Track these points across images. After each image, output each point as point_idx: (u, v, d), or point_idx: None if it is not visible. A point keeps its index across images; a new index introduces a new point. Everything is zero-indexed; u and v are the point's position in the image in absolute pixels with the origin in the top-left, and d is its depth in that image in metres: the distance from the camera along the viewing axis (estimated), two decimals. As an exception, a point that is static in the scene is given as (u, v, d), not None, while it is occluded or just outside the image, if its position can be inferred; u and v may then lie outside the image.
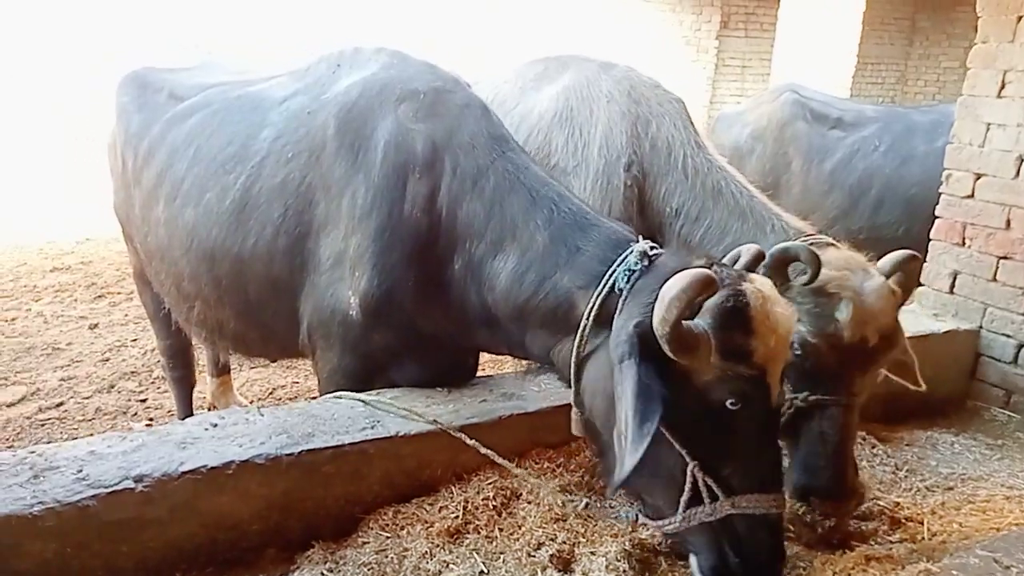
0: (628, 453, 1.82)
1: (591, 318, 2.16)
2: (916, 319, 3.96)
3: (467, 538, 2.38)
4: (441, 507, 2.46)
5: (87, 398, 4.90)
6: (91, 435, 3.01)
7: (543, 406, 2.72)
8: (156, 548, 2.13)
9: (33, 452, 2.17)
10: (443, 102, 2.66)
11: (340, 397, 2.65)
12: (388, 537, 2.36)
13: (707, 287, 1.89)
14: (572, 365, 2.24)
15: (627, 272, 2.12)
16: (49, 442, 4.06)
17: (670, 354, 1.87)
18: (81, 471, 2.09)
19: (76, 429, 4.50)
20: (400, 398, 2.69)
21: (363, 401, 2.60)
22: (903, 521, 2.67)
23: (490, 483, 2.55)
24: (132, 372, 5.27)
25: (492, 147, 2.54)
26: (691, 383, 1.95)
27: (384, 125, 2.63)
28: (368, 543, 2.34)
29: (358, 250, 2.62)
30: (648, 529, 2.34)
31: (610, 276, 2.14)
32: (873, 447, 3.28)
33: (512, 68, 4.68)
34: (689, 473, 1.98)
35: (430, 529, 2.37)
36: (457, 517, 2.42)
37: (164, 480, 2.11)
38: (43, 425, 4.51)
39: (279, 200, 2.77)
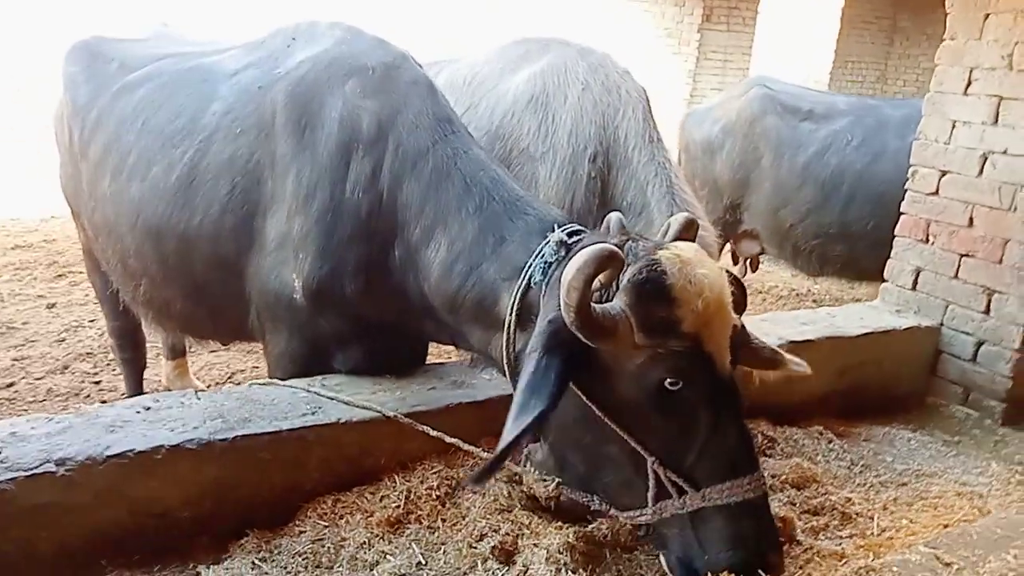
0: (500, 443, 1.72)
1: (514, 314, 2.09)
2: (878, 315, 3.95)
3: (408, 528, 2.32)
4: (383, 496, 2.40)
5: (39, 379, 4.77)
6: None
7: (492, 395, 2.66)
8: (79, 534, 2.05)
9: (-51, 433, 2.08)
10: (391, 78, 2.59)
11: (281, 383, 2.57)
12: (326, 526, 2.30)
13: (608, 262, 1.77)
14: (504, 363, 2.18)
15: (543, 264, 2.05)
16: (-5, 423, 3.95)
17: (588, 341, 1.77)
18: (0, 453, 2.01)
19: (26, 410, 4.37)
20: (346, 384, 2.62)
21: (302, 389, 2.52)
22: (854, 516, 2.64)
23: (435, 472, 2.49)
24: (88, 353, 5.15)
25: (435, 128, 2.48)
26: (625, 370, 1.85)
27: (332, 101, 2.56)
28: (305, 532, 2.27)
29: (301, 231, 2.55)
30: (603, 521, 2.27)
31: (528, 269, 2.07)
32: (830, 442, 3.26)
33: (493, 48, 4.62)
34: (650, 470, 1.88)
35: (370, 519, 2.31)
36: (398, 507, 2.36)
37: (88, 464, 2.03)
38: (-8, 405, 4.39)
39: (227, 177, 2.69)
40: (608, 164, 3.61)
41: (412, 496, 2.41)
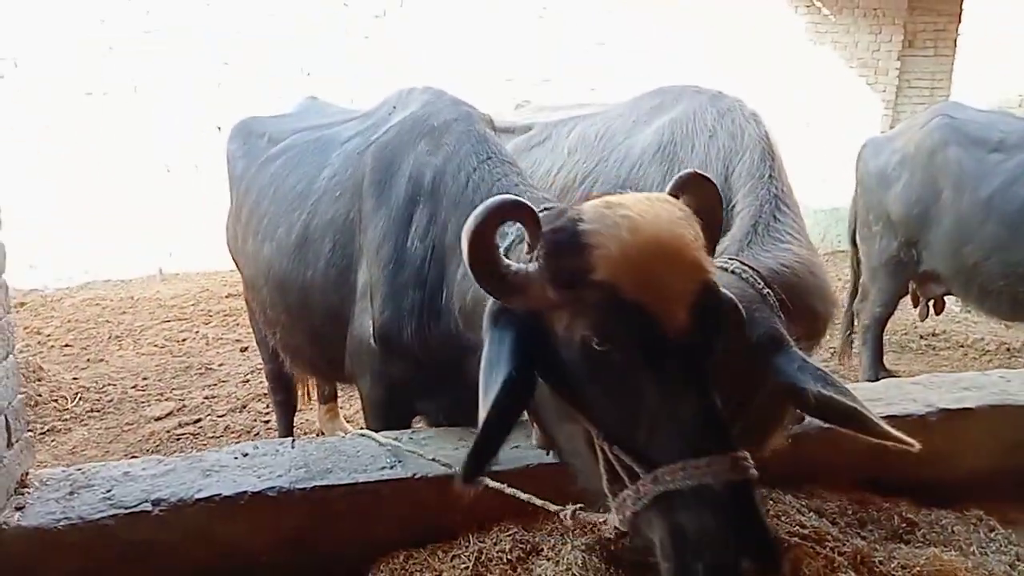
0: (479, 426, 1.56)
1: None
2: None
3: (475, 591, 2.30)
4: (454, 556, 2.39)
5: (221, 416, 5.34)
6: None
7: (577, 458, 2.57)
8: (170, 572, 2.25)
9: (79, 470, 2.39)
10: (449, 132, 2.68)
11: (371, 434, 2.67)
12: (395, 582, 2.33)
13: (507, 212, 1.60)
14: None
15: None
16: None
17: (499, 299, 1.64)
18: (110, 491, 2.26)
19: (205, 445, 4.91)
20: (432, 439, 2.67)
21: (390, 441, 2.60)
22: (1001, 626, 2.23)
23: (509, 535, 2.44)
24: (264, 394, 5.65)
25: (471, 167, 2.50)
26: (557, 334, 1.64)
27: (407, 161, 2.72)
28: (375, 586, 2.32)
29: (374, 280, 2.71)
30: None
31: None
32: (991, 530, 2.77)
33: (628, 100, 4.59)
34: (597, 446, 1.63)
35: (438, 578, 2.32)
36: (467, 568, 2.34)
37: (179, 505, 2.23)
38: (178, 440, 4.97)
39: (330, 234, 2.94)
40: (728, 210, 3.41)
41: (483, 558, 2.38)
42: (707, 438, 1.53)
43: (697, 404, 1.55)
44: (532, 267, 1.62)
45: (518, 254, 1.83)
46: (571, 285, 1.57)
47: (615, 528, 1.71)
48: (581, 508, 1.93)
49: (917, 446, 1.81)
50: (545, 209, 1.83)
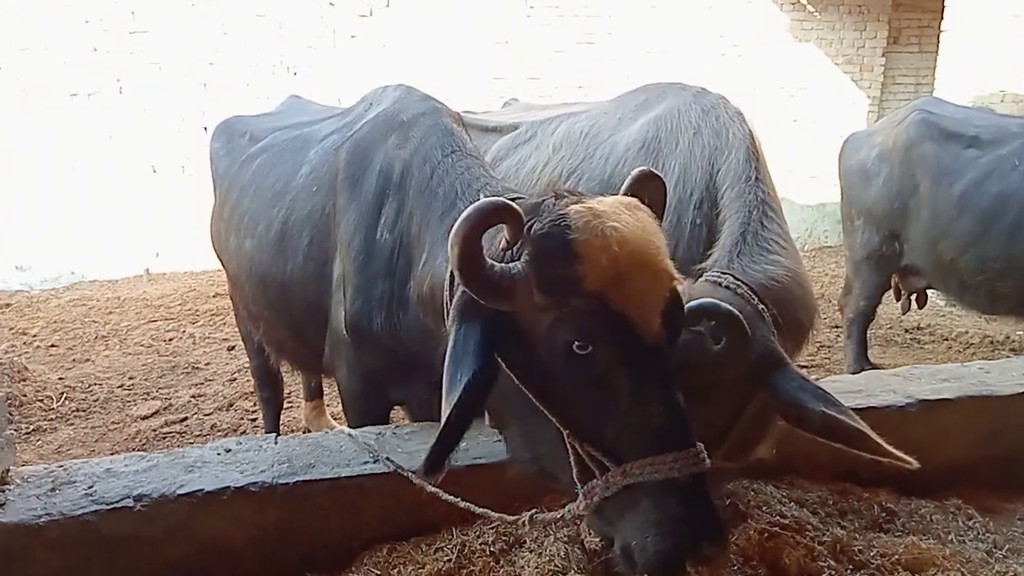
0: (440, 425, 1.60)
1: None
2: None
3: (458, 584, 2.31)
4: (437, 549, 2.40)
5: (208, 415, 5.33)
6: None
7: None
8: (153, 567, 2.25)
9: (61, 466, 2.39)
10: (417, 126, 2.71)
11: (352, 431, 2.68)
12: (378, 575, 2.34)
13: (495, 216, 1.63)
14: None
15: None
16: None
17: (485, 303, 1.66)
18: (92, 487, 2.26)
19: (191, 443, 4.90)
20: (416, 433, 2.68)
21: (372, 435, 2.61)
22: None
23: (491, 527, 2.46)
24: (250, 392, 5.65)
25: (437, 159, 2.52)
26: (536, 334, 1.70)
27: (377, 156, 2.74)
28: (358, 579, 2.33)
29: (347, 272, 2.74)
30: None
31: None
32: (970, 519, 2.80)
33: (615, 98, 4.61)
34: (567, 442, 1.71)
35: (420, 571, 2.32)
36: (450, 561, 2.35)
37: (162, 501, 2.24)
38: (164, 438, 4.95)
39: (307, 229, 2.97)
40: (713, 211, 3.43)
41: (466, 550, 2.39)
42: (672, 435, 1.65)
43: (665, 403, 1.67)
44: (516, 270, 1.65)
45: (494, 249, 1.84)
46: (560, 292, 1.63)
47: (576, 514, 1.78)
48: (536, 511, 1.98)
49: (915, 464, 1.91)
50: (516, 198, 1.87)
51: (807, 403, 1.94)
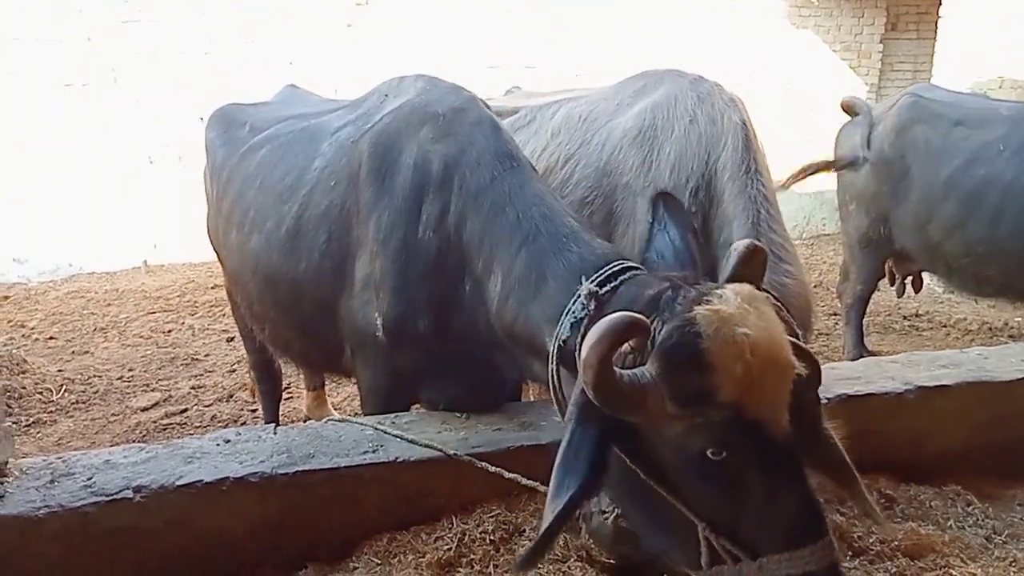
0: (542, 524, 1.63)
1: (555, 363, 2.01)
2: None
3: (459, 572, 2.32)
4: (437, 537, 2.41)
5: (208, 406, 5.33)
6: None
7: (558, 438, 2.59)
8: (153, 558, 2.25)
9: (60, 458, 2.38)
10: (458, 121, 2.66)
11: (352, 420, 2.68)
12: (378, 564, 2.35)
13: (626, 334, 1.61)
14: (555, 406, 2.11)
15: (572, 320, 1.95)
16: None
17: (615, 415, 1.65)
18: (91, 479, 2.26)
19: (191, 434, 4.89)
20: (415, 423, 2.68)
21: (371, 426, 2.61)
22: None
23: (492, 516, 2.46)
24: (251, 383, 5.67)
25: (495, 164, 2.50)
26: (665, 438, 1.70)
27: (408, 148, 2.68)
28: (358, 569, 2.34)
29: (381, 272, 2.67)
30: None
31: (563, 317, 1.98)
32: (969, 505, 2.81)
33: (614, 84, 4.59)
34: (701, 536, 1.73)
35: (421, 560, 2.33)
36: (451, 549, 2.36)
37: (161, 492, 2.23)
38: (164, 430, 4.95)
39: (324, 226, 2.88)
40: (709, 199, 3.43)
41: (466, 539, 2.40)
42: (808, 529, 1.66)
43: (799, 498, 1.68)
44: (646, 379, 1.62)
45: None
46: (695, 404, 1.61)
47: None
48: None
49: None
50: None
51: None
